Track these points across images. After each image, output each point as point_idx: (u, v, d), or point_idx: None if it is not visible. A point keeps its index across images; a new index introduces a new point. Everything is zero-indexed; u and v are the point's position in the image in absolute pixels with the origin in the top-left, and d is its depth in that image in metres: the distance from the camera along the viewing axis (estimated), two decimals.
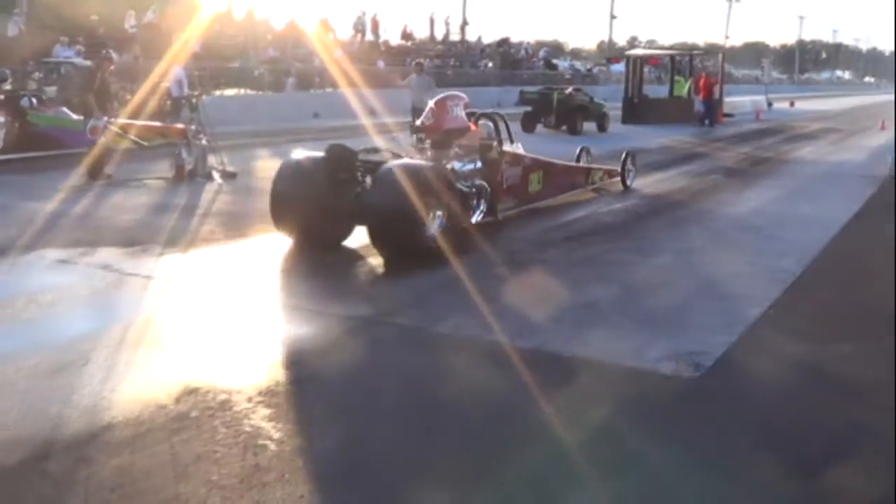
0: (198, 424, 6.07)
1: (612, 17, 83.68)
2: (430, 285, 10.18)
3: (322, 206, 11.49)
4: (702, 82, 39.99)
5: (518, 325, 8.57)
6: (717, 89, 40.40)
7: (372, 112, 30.47)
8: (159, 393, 6.60)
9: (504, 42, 65.81)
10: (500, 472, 5.63)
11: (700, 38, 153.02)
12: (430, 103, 13.50)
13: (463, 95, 14.20)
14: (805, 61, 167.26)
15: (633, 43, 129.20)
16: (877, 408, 6.81)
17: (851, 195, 18.24)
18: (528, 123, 31.04)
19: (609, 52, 78.47)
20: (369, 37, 55.36)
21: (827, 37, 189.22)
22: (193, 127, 20.03)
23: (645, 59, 46.28)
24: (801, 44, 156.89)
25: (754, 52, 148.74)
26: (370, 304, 9.29)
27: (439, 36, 63.49)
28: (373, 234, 11.25)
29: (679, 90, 42.48)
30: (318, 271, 10.81)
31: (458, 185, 12.30)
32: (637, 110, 38.93)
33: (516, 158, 14.42)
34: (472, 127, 13.70)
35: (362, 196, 11.63)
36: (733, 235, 13.88)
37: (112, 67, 20.73)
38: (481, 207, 13.04)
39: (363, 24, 55.78)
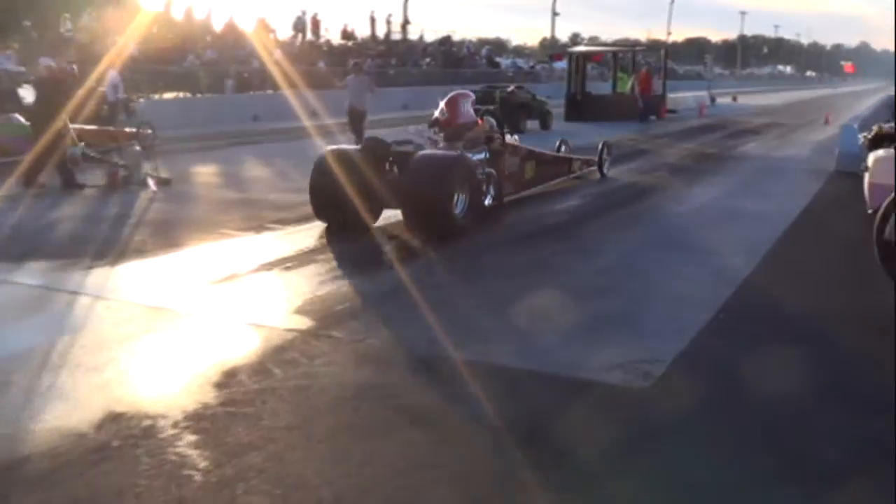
0: (119, 455, 5.67)
1: (555, 14, 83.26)
2: (374, 293, 9.88)
3: (358, 193, 12.85)
4: (641, 77, 39.96)
5: (460, 334, 8.22)
6: (658, 84, 40.41)
7: (313, 114, 30.16)
8: (81, 421, 6.18)
9: (446, 41, 65.50)
10: (438, 497, 5.33)
11: (643, 35, 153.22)
12: (443, 101, 15.04)
13: (470, 93, 15.98)
14: (747, 56, 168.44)
15: (575, 40, 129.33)
16: (835, 414, 6.59)
17: (798, 190, 18.13)
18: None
19: (551, 50, 78.26)
20: (310, 37, 54.87)
21: (769, 32, 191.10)
22: (150, 131, 21.33)
23: (587, 56, 46.02)
24: (743, 39, 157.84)
25: (697, 48, 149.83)
26: (309, 315, 8.89)
27: (381, 35, 63.08)
28: (408, 217, 12.95)
29: (622, 87, 42.51)
30: (256, 281, 10.41)
31: (477, 173, 13.83)
32: (580, 107, 38.80)
33: (515, 149, 16.14)
34: (479, 121, 15.29)
35: (395, 183, 13.21)
36: (681, 234, 13.67)
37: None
38: (491, 192, 14.64)
39: (303, 24, 55.29)
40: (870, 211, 13.29)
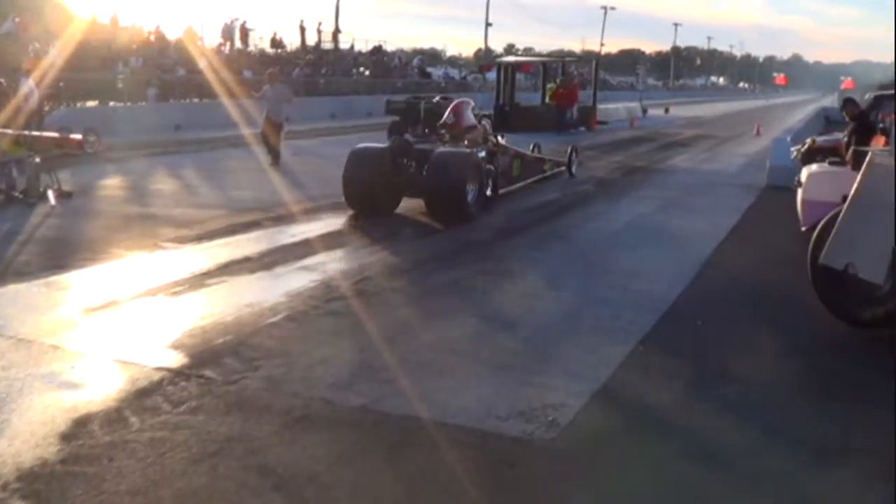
0: None
1: (488, 24, 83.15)
2: (255, 323, 8.93)
3: (385, 184, 15.37)
4: (557, 89, 39.72)
5: (349, 374, 7.39)
6: (583, 95, 40.05)
7: (236, 122, 29.25)
8: None
9: (377, 50, 64.64)
10: None
11: (577, 46, 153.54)
12: (450, 107, 17.75)
13: (470, 100, 18.92)
14: (681, 68, 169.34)
15: (510, 50, 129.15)
16: (767, 469, 5.84)
17: (728, 206, 17.53)
18: (396, 133, 29.68)
19: (485, 60, 77.72)
20: (239, 45, 53.81)
21: (702, 44, 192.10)
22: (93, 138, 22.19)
23: (517, 67, 45.35)
24: (677, 50, 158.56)
25: (630, 59, 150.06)
26: (184, 351, 8.00)
27: (312, 44, 62.04)
28: (429, 205, 15.26)
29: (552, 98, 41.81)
30: (136, 309, 9.47)
31: (483, 168, 16.15)
32: (508, 118, 38.00)
33: (506, 150, 18.67)
34: (478, 125, 17.73)
35: (415, 176, 15.51)
36: (602, 255, 12.84)
37: None
38: (490, 185, 16.83)
39: (232, 31, 54.23)
40: (803, 228, 12.70)
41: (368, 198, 15.27)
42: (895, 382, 7.11)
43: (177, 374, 7.36)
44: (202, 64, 43.91)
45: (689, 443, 6.34)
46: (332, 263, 11.64)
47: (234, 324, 8.83)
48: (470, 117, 17.61)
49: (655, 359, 8.15)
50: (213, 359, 7.77)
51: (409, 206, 15.91)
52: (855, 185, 8.99)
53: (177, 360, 7.75)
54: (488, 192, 16.63)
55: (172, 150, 25.80)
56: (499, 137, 18.85)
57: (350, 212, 15.35)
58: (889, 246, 8.51)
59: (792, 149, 20.16)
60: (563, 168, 22.21)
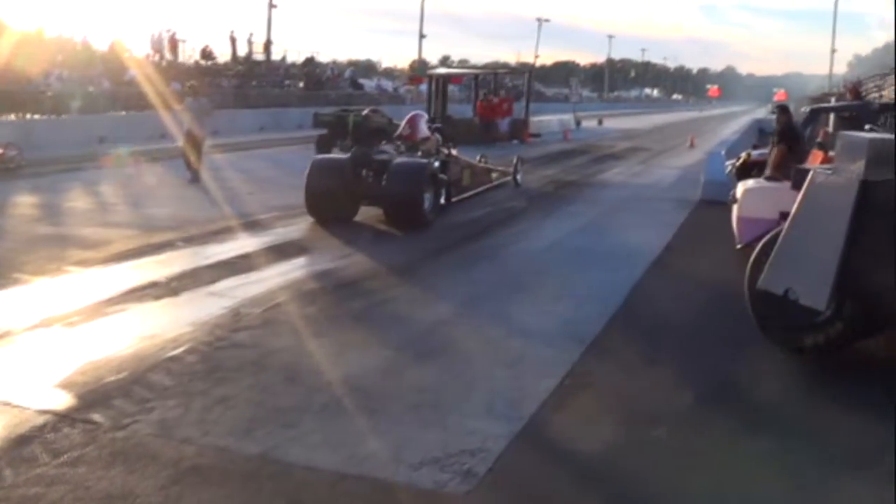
0: None
1: (422, 36, 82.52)
2: (154, 357, 8.29)
3: (345, 193, 16.03)
4: (480, 102, 39.42)
5: (249, 417, 6.79)
6: (508, 108, 39.72)
7: (162, 136, 28.56)
8: None
9: (309, 62, 63.90)
10: None
11: (513, 58, 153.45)
12: (406, 118, 18.91)
13: (424, 114, 20.61)
14: (615, 80, 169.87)
15: (445, 62, 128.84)
16: None
17: (661, 222, 17.15)
18: (323, 147, 29.03)
19: (419, 72, 77.19)
20: (169, 56, 52.91)
21: (636, 56, 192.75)
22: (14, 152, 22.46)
23: (448, 79, 44.67)
24: (611, 62, 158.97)
25: (566, 71, 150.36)
26: (73, 391, 7.36)
27: (243, 55, 61.23)
28: (388, 213, 15.91)
29: None
30: (28, 343, 8.78)
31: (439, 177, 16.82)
32: (440, 131, 37.26)
33: (456, 159, 19.51)
34: (431, 136, 18.58)
35: (374, 185, 16.08)
36: (528, 278, 12.29)
37: None
38: (443, 194, 17.44)
39: (160, 43, 53.34)
40: (739, 246, 12.33)
41: (329, 206, 15.96)
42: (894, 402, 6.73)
43: (61, 419, 6.72)
44: (129, 75, 43.15)
45: (617, 494, 5.81)
46: (243, 288, 11.01)
47: (130, 358, 8.19)
48: (424, 129, 18.66)
49: (582, 395, 7.64)
50: (102, 400, 7.14)
51: (368, 215, 16.42)
52: (795, 206, 8.51)
53: (63, 401, 7.10)
54: (442, 201, 17.24)
55: (94, 165, 24.94)
56: (450, 148, 19.58)
57: (255, 232, 15.09)
58: (831, 270, 8.02)
59: (727, 163, 19.70)
60: (510, 178, 23.06)
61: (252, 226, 15.53)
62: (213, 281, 11.35)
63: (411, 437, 6.51)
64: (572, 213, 18.35)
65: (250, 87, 51.10)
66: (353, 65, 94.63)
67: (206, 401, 7.15)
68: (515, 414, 7.03)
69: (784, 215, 8.86)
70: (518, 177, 23.46)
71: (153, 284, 11.06)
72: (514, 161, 23.78)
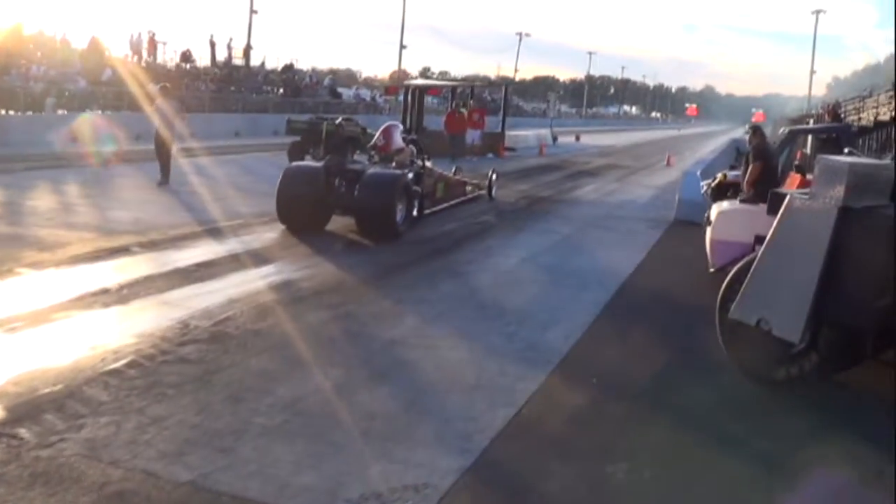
0: None
1: (402, 46, 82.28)
2: (92, 369, 7.86)
3: (317, 201, 15.81)
4: (446, 117, 38.88)
5: (184, 439, 6.39)
6: (479, 120, 39.15)
7: (137, 137, 28.19)
8: None
9: (288, 68, 63.51)
10: None
11: (493, 71, 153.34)
12: (380, 129, 18.58)
13: (399, 124, 20.38)
14: (594, 96, 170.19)
15: (425, 73, 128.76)
16: None
17: (633, 243, 16.84)
18: (295, 154, 28.59)
19: (398, 82, 76.87)
20: (147, 57, 52.45)
21: (616, 73, 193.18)
22: None
23: (424, 90, 44.12)
24: (591, 79, 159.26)
25: (545, 86, 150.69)
26: (1, 402, 6.95)
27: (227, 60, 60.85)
28: (360, 223, 15.73)
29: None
30: None
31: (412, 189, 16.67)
32: (414, 143, 36.81)
33: (430, 172, 19.39)
34: (405, 148, 18.25)
35: (346, 195, 15.90)
36: (491, 296, 11.87)
37: None
38: (416, 206, 17.22)
39: (139, 44, 52.89)
40: (711, 270, 12.01)
41: (300, 214, 15.72)
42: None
43: None
44: (106, 75, 42.66)
45: None
46: (197, 298, 10.58)
47: (68, 370, 7.77)
48: (398, 140, 18.30)
49: (540, 426, 7.25)
50: (33, 414, 6.72)
51: (339, 224, 16.28)
52: (770, 232, 8.17)
53: None
54: (414, 213, 17.12)
55: (62, 164, 24.45)
56: (424, 160, 19.35)
57: (219, 239, 14.66)
58: (807, 299, 7.68)
59: (702, 183, 19.33)
60: (484, 191, 23.11)
61: (216, 232, 15.11)
62: (166, 289, 10.93)
63: (353, 468, 6.11)
64: (544, 231, 17.98)
65: (228, 92, 50.62)
66: (334, 73, 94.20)
67: (140, 419, 6.74)
68: (465, 446, 6.64)
69: (759, 239, 8.53)
70: (493, 190, 23.40)
71: (104, 291, 10.62)
72: (489, 174, 23.73)
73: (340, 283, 11.93)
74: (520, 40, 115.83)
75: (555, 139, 54.32)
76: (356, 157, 18.70)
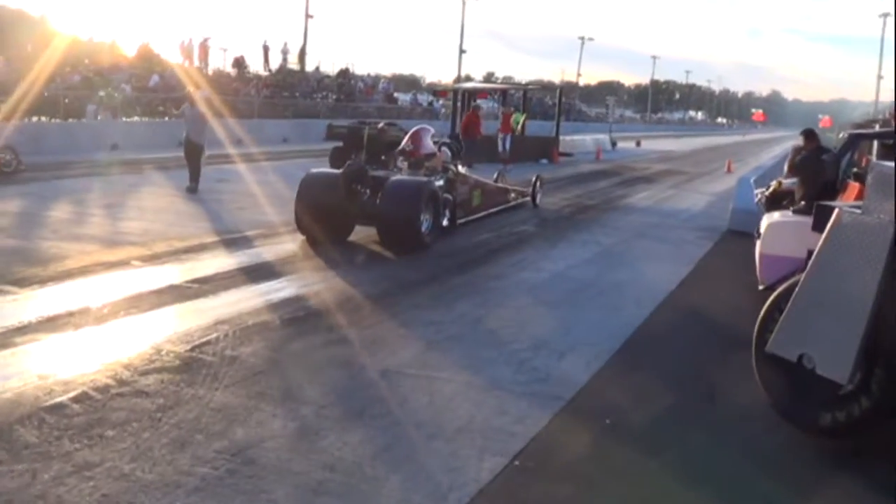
0: None
1: (462, 51, 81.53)
2: (33, 403, 6.91)
3: (338, 210, 14.87)
4: (465, 118, 36.16)
5: (104, 492, 5.50)
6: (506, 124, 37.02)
7: (179, 144, 27.50)
8: None
9: (343, 73, 62.85)
10: None
11: (556, 76, 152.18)
12: (409, 134, 17.41)
13: (430, 128, 18.43)
14: (659, 101, 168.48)
15: (489, 78, 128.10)
16: None
17: (680, 255, 15.72)
18: (337, 160, 27.65)
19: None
20: (198, 63, 52.11)
21: (681, 77, 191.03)
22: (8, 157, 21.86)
23: (473, 93, 42.73)
24: (655, 84, 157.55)
25: (609, 91, 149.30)
26: None
27: (281, 66, 60.45)
28: (382, 234, 14.88)
29: (514, 126, 39.53)
30: None
31: (440, 197, 15.69)
32: (448, 147, 35.23)
33: (465, 178, 18.28)
34: (438, 153, 17.19)
35: (369, 203, 14.92)
36: (510, 317, 10.73)
37: None
38: (447, 215, 16.43)
39: (190, 49, 52.58)
40: (761, 287, 10.89)
41: (320, 224, 14.77)
42: None
43: None
44: (153, 81, 42.28)
45: None
46: (180, 319, 9.63)
47: (6, 404, 6.86)
48: (429, 145, 17.27)
49: (532, 482, 6.13)
50: None
51: (362, 235, 15.40)
52: (816, 252, 6.89)
53: None
54: (445, 223, 16.30)
55: (94, 172, 23.76)
56: (458, 166, 18.31)
57: (229, 251, 13.88)
58: (857, 333, 6.44)
59: (756, 191, 18.01)
60: (528, 198, 22.05)
61: (229, 243, 14.25)
62: (151, 308, 10.00)
63: None
64: (585, 242, 16.82)
65: (281, 97, 49.98)
66: (397, 79, 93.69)
67: (62, 468, 5.77)
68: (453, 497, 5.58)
69: (812, 253, 7.20)
70: (537, 198, 22.36)
71: (82, 311, 9.70)
72: (533, 180, 22.61)
73: (345, 302, 10.88)
74: (582, 44, 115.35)
75: (614, 144, 53.11)
76: (399, 163, 16.83)
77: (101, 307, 9.90)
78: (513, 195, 21.33)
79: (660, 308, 11.57)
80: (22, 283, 10.87)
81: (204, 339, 8.83)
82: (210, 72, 53.58)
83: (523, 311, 11.05)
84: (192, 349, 8.52)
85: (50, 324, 9.16)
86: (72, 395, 7.11)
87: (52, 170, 23.40)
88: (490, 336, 9.75)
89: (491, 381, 8.10)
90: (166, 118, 37.07)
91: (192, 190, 20.19)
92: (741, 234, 16.95)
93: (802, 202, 12.37)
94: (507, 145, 35.68)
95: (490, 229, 17.73)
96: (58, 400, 6.98)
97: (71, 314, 9.54)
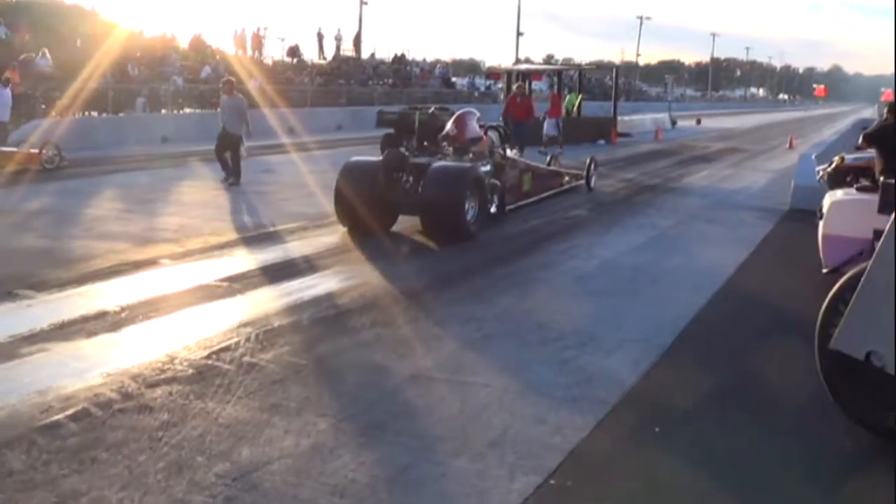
0: None
1: (519, 33, 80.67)
2: (28, 423, 6.33)
3: (379, 200, 14.26)
4: (510, 99, 33.09)
5: None
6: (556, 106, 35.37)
7: None
8: None
9: (399, 59, 62.28)
10: None
11: (617, 56, 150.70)
12: (453, 118, 16.75)
13: (475, 111, 17.53)
14: (720, 79, 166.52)
15: (548, 60, 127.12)
16: None
17: (740, 237, 15.00)
18: (389, 147, 26.97)
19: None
20: (251, 53, 51.83)
21: (741, 55, 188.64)
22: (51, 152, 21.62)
23: (526, 75, 41.50)
24: (716, 61, 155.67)
25: (670, 70, 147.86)
26: None
27: (335, 54, 60.14)
28: (425, 223, 14.29)
29: (568, 108, 38.64)
30: None
31: (486, 183, 15.06)
32: (496, 131, 34.09)
33: (514, 163, 17.79)
34: (484, 137, 16.59)
35: (411, 192, 14.29)
36: (556, 310, 10.04)
37: None
38: (495, 202, 15.79)
39: (244, 39, 52.34)
40: (825, 271, 10.10)
41: (361, 214, 14.20)
42: None
43: None
44: (205, 73, 41.91)
45: None
46: (202, 322, 9.09)
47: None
48: (474, 129, 16.53)
49: (578, 488, 5.45)
50: None
51: (406, 224, 14.83)
52: (884, 236, 6.03)
53: None
54: (493, 209, 15.70)
55: (139, 166, 23.35)
56: (507, 150, 17.79)
57: (264, 246, 13.36)
58: None
59: (817, 168, 17.08)
60: (582, 181, 21.27)
61: (266, 238, 13.75)
62: (172, 311, 9.45)
63: None
64: (640, 225, 16.10)
65: (336, 85, 49.47)
66: (456, 64, 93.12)
67: (45, 497, 5.20)
68: None
69: (879, 234, 6.34)
70: (592, 181, 21.53)
71: (99, 315, 9.16)
72: (588, 162, 21.77)
73: (380, 299, 10.24)
74: (640, 24, 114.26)
75: (674, 123, 52.11)
76: (444, 149, 16.24)
77: (119, 311, 9.34)
78: (566, 178, 20.71)
79: (716, 296, 10.83)
80: (41, 286, 10.35)
81: (223, 345, 8.24)
82: (270, 62, 53.42)
83: (570, 304, 10.39)
84: (209, 356, 7.92)
85: (61, 331, 8.60)
86: (70, 412, 6.53)
87: (97, 165, 23.03)
88: (532, 333, 9.03)
89: (529, 384, 7.41)
90: (217, 110, 36.65)
91: (235, 183, 19.63)
92: (804, 213, 16.06)
93: (881, 178, 11.42)
94: (554, 129, 33.50)
95: (541, 215, 17.05)
96: (54, 418, 6.41)
97: (86, 320, 9.00)
